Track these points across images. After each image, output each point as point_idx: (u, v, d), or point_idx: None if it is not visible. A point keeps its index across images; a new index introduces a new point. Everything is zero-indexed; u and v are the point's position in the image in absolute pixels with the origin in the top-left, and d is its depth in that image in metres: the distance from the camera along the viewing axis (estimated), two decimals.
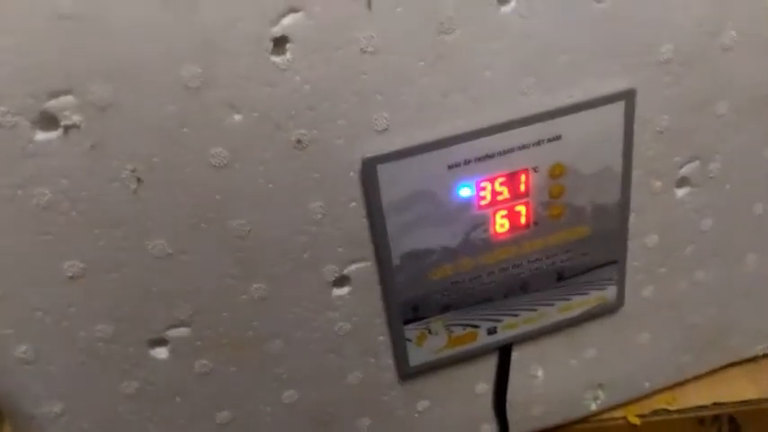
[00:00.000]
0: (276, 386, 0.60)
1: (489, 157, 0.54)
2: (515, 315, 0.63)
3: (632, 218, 0.62)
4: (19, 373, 0.53)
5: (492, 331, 0.63)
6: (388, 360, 0.62)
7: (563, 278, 0.62)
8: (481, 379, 0.68)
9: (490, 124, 0.53)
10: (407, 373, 0.63)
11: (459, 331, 0.62)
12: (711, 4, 0.55)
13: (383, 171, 0.52)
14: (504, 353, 0.66)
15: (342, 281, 0.57)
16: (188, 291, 0.53)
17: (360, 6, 0.46)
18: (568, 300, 0.64)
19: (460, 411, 0.68)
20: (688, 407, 0.75)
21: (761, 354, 0.78)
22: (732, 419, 0.75)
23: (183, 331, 0.55)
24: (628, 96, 0.56)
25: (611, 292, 0.65)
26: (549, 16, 0.51)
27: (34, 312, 0.51)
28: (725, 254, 0.69)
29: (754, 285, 0.72)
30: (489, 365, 0.67)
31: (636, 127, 0.57)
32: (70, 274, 0.50)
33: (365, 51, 0.47)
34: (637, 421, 0.74)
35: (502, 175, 0.55)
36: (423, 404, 0.66)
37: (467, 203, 0.56)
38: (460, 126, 0.53)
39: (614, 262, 0.63)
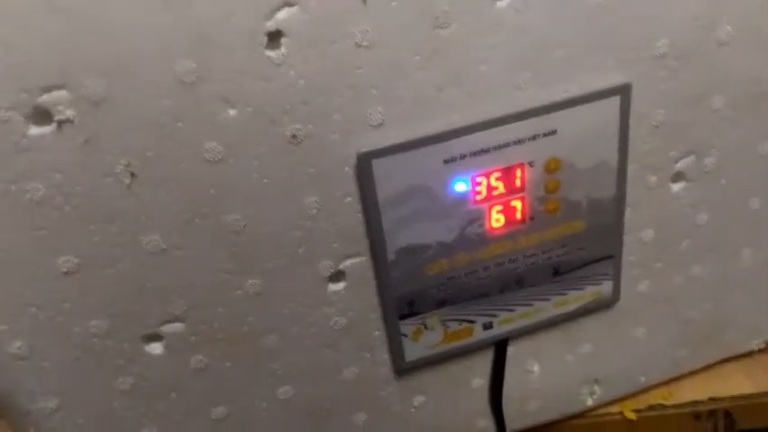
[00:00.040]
0: (272, 381, 0.60)
1: (485, 151, 0.54)
2: (511, 310, 0.63)
3: (628, 212, 0.62)
4: (13, 368, 0.53)
5: (488, 326, 0.63)
6: (384, 355, 0.62)
7: (559, 273, 0.62)
8: (477, 374, 0.68)
9: (486, 119, 0.53)
10: (403, 369, 0.63)
11: (454, 326, 0.62)
12: None
13: (378, 166, 0.52)
14: (499, 348, 0.66)
15: (337, 276, 0.57)
16: (183, 286, 0.53)
17: (355, 0, 0.46)
18: (564, 295, 0.64)
19: (456, 406, 0.68)
20: (684, 402, 0.75)
21: (756, 348, 0.78)
22: (728, 414, 0.75)
23: (177, 327, 0.55)
24: (623, 91, 0.55)
25: (606, 287, 0.65)
26: (544, 11, 0.51)
27: (28, 308, 0.51)
28: (720, 248, 0.69)
29: (750, 280, 0.72)
30: (485, 360, 0.67)
31: (631, 121, 0.57)
32: (64, 270, 0.50)
33: (360, 45, 0.47)
34: (633, 416, 0.74)
35: (497, 170, 0.55)
36: (419, 399, 0.66)
37: (462, 198, 0.56)
38: (456, 120, 0.53)
39: (610, 257, 0.63)
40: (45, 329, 0.52)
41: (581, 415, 0.75)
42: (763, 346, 0.78)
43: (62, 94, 0.43)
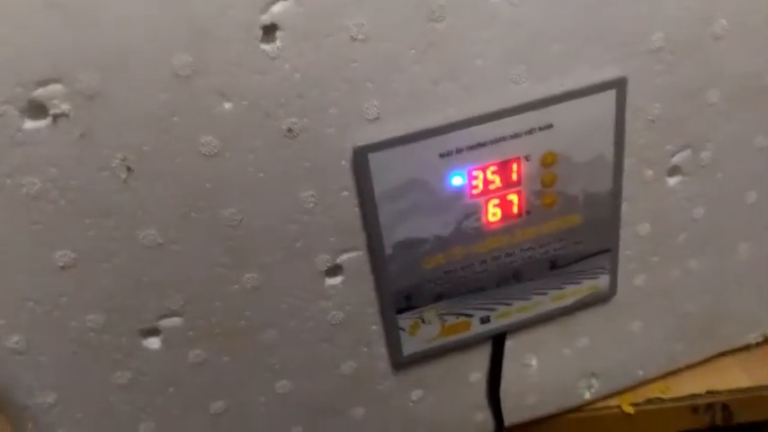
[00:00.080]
0: (270, 376, 0.60)
1: (481, 145, 0.54)
2: (508, 304, 0.63)
3: (624, 206, 0.62)
4: (11, 363, 0.53)
5: (485, 320, 0.63)
6: (382, 349, 0.62)
7: (556, 267, 0.62)
8: (475, 368, 0.68)
9: (482, 113, 0.53)
10: (401, 363, 0.63)
11: (452, 320, 0.62)
12: None
13: (374, 160, 0.52)
14: (497, 342, 0.66)
15: (334, 270, 0.57)
16: (180, 280, 0.53)
17: None
18: (561, 288, 0.64)
19: (454, 400, 0.69)
20: (681, 395, 0.75)
21: (753, 342, 0.78)
22: (725, 407, 0.75)
23: (175, 321, 0.55)
24: (619, 85, 0.55)
25: (603, 281, 0.65)
26: (539, 4, 0.51)
27: (25, 303, 0.51)
28: (717, 242, 0.69)
29: (747, 274, 0.72)
30: (483, 355, 0.67)
31: (628, 115, 0.57)
32: (61, 264, 0.50)
33: (355, 39, 0.47)
34: (630, 410, 0.74)
35: (494, 164, 0.55)
36: (417, 393, 0.66)
37: (459, 192, 0.56)
38: (452, 114, 0.53)
39: (607, 251, 0.63)
40: (42, 324, 0.52)
41: (579, 409, 0.75)
42: (760, 339, 0.78)
43: (57, 87, 0.43)
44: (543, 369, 0.70)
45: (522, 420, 0.73)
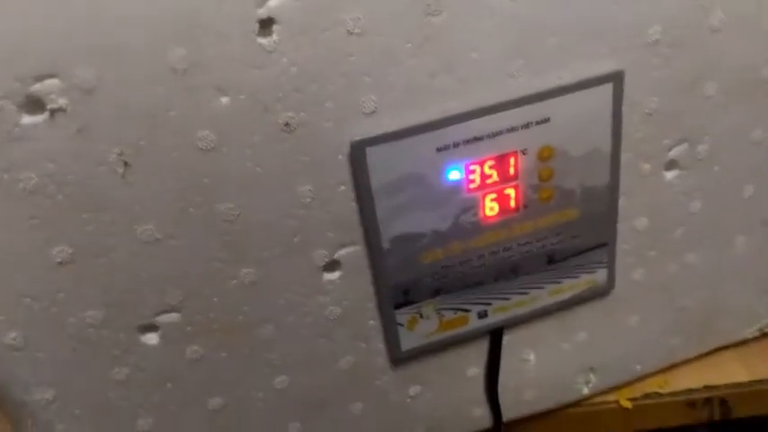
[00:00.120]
0: (268, 372, 0.60)
1: (478, 139, 0.54)
2: (506, 299, 0.63)
3: (621, 200, 0.62)
4: (8, 360, 0.53)
5: (483, 315, 0.63)
6: (380, 344, 0.62)
7: (553, 261, 0.62)
8: (473, 363, 0.68)
9: (478, 106, 0.53)
10: (399, 358, 0.63)
11: (449, 315, 0.62)
12: None
13: (372, 154, 0.52)
14: (495, 337, 0.66)
15: (332, 265, 0.57)
16: (177, 276, 0.53)
17: None
18: (559, 283, 0.64)
19: (452, 396, 0.69)
20: (679, 390, 0.75)
21: (751, 336, 0.78)
22: (723, 402, 0.75)
23: (173, 317, 0.55)
24: (616, 78, 0.55)
25: (601, 275, 0.65)
26: None
27: (23, 298, 0.51)
28: (714, 236, 0.69)
29: (744, 268, 0.72)
30: (481, 349, 0.67)
31: (624, 109, 0.57)
32: (59, 260, 0.50)
33: (352, 33, 0.47)
34: (628, 405, 0.74)
35: (491, 158, 0.55)
36: (415, 389, 0.67)
37: (456, 187, 0.56)
38: (449, 108, 0.53)
39: (604, 245, 0.63)
40: (40, 320, 0.52)
41: (577, 404, 0.75)
42: (757, 334, 0.78)
43: (54, 82, 0.43)
44: (541, 364, 0.70)
45: (521, 416, 0.73)
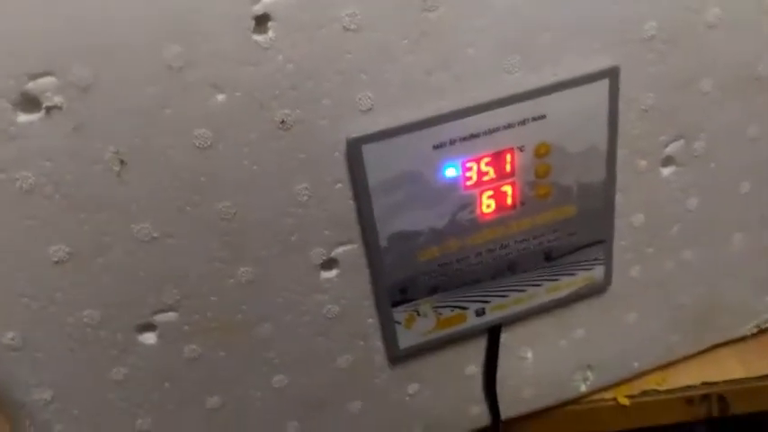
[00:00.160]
0: (266, 370, 0.60)
1: (474, 136, 0.54)
2: (504, 296, 0.63)
3: (618, 197, 0.62)
4: (6, 360, 0.53)
5: (480, 313, 0.63)
6: (378, 343, 0.62)
7: (551, 258, 0.62)
8: (471, 361, 0.68)
9: (475, 103, 0.53)
10: (397, 356, 0.63)
11: (447, 313, 0.62)
12: None
13: (368, 151, 0.52)
14: (493, 334, 0.66)
15: (330, 263, 0.57)
16: (175, 275, 0.53)
17: None
18: (556, 280, 0.64)
19: (451, 394, 0.69)
20: (677, 387, 0.75)
21: (749, 333, 0.78)
22: (721, 399, 0.75)
23: (170, 316, 0.55)
24: (612, 74, 0.56)
25: (598, 272, 0.65)
26: None
27: (20, 298, 0.51)
28: (711, 233, 0.69)
29: (741, 265, 0.72)
30: (479, 347, 0.67)
31: (620, 105, 0.57)
32: (56, 259, 0.50)
33: (348, 29, 0.47)
34: (626, 402, 0.74)
35: (487, 155, 0.55)
36: (413, 387, 0.67)
37: (453, 184, 0.56)
38: (445, 105, 0.53)
39: (601, 242, 0.64)
40: (38, 320, 0.52)
41: (575, 401, 0.75)
42: (755, 330, 0.78)
43: (50, 80, 0.43)
44: (539, 362, 0.70)
45: (519, 414, 0.73)
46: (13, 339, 0.52)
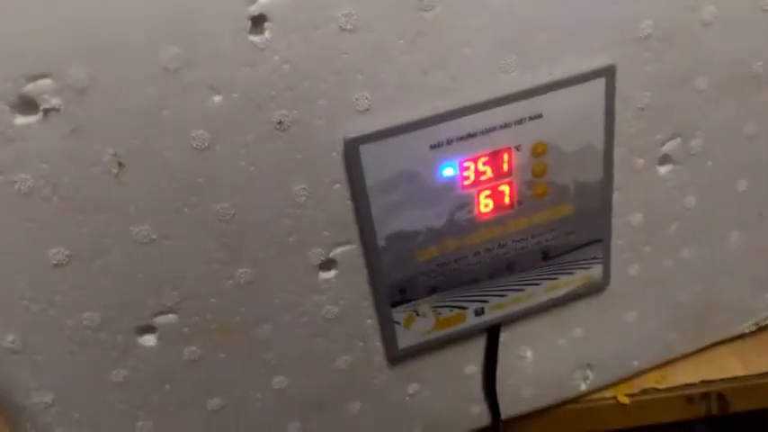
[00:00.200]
0: (265, 372, 0.60)
1: (471, 136, 0.54)
2: (502, 296, 0.63)
3: (616, 196, 0.62)
4: (7, 363, 0.53)
5: (479, 312, 0.63)
6: (377, 343, 0.62)
7: (549, 257, 0.62)
8: (470, 361, 0.68)
9: (471, 103, 0.53)
10: (396, 356, 0.63)
11: (446, 313, 0.62)
12: None
13: (366, 152, 0.52)
14: (492, 334, 0.66)
15: (328, 264, 0.57)
16: (174, 276, 0.53)
17: None
18: (555, 279, 0.64)
19: (451, 394, 0.69)
20: (677, 385, 0.75)
21: (747, 331, 0.78)
22: (721, 396, 0.75)
23: (170, 318, 0.55)
24: (608, 73, 0.56)
25: (596, 271, 0.65)
26: None
27: (20, 301, 0.51)
28: (709, 231, 0.69)
29: (739, 262, 0.72)
30: (478, 347, 0.67)
31: (617, 104, 0.57)
32: (55, 262, 0.50)
33: (344, 29, 0.47)
34: (626, 400, 0.75)
35: (485, 155, 0.55)
36: (413, 387, 0.67)
37: (450, 184, 0.56)
38: (442, 105, 0.53)
39: (599, 240, 0.64)
40: (38, 323, 0.52)
41: (575, 400, 0.75)
42: (754, 328, 0.78)
43: (47, 82, 0.43)
44: (538, 361, 0.70)
45: (519, 413, 0.73)
46: (13, 342, 0.52)
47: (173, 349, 0.56)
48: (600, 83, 0.56)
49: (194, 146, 0.48)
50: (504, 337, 0.67)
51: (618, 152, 0.60)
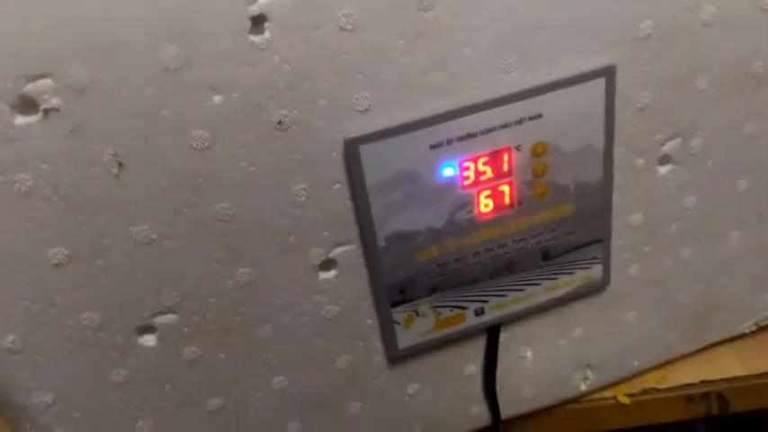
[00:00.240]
0: (265, 372, 0.60)
1: (471, 136, 0.54)
2: (502, 295, 0.63)
3: (616, 196, 0.62)
4: (7, 363, 0.53)
5: (479, 312, 0.63)
6: (377, 343, 0.62)
7: (548, 257, 0.62)
8: (470, 361, 0.68)
9: (471, 103, 0.53)
10: (396, 356, 0.63)
11: (446, 313, 0.62)
12: None
13: (366, 152, 0.52)
14: (492, 334, 0.66)
15: (328, 264, 0.57)
16: (174, 276, 0.53)
17: None
18: (555, 279, 0.64)
19: (451, 394, 0.69)
20: (677, 385, 0.75)
21: (747, 331, 0.78)
22: (721, 397, 0.75)
23: (170, 318, 0.55)
24: (608, 73, 0.56)
25: (596, 271, 0.65)
26: None
27: (20, 301, 0.51)
28: (709, 231, 0.69)
29: (739, 262, 0.72)
30: (478, 347, 0.67)
31: (617, 104, 0.57)
32: (55, 262, 0.50)
33: (344, 29, 0.47)
34: (626, 400, 0.75)
35: (485, 155, 0.55)
36: (413, 387, 0.67)
37: (450, 184, 0.56)
38: (442, 105, 0.53)
39: (599, 240, 0.64)
40: (38, 323, 0.52)
41: (575, 400, 0.75)
42: (754, 328, 0.78)
43: (47, 82, 0.43)
44: (538, 361, 0.70)
45: (519, 413, 0.73)
46: (13, 342, 0.52)
47: (173, 349, 0.56)
48: (600, 83, 0.56)
49: (194, 146, 0.48)
50: (504, 337, 0.67)
51: (618, 152, 0.60)
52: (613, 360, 0.73)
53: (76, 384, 0.56)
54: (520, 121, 0.55)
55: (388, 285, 0.59)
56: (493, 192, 0.57)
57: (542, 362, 0.70)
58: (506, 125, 0.55)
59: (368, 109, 0.51)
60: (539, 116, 0.55)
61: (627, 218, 0.65)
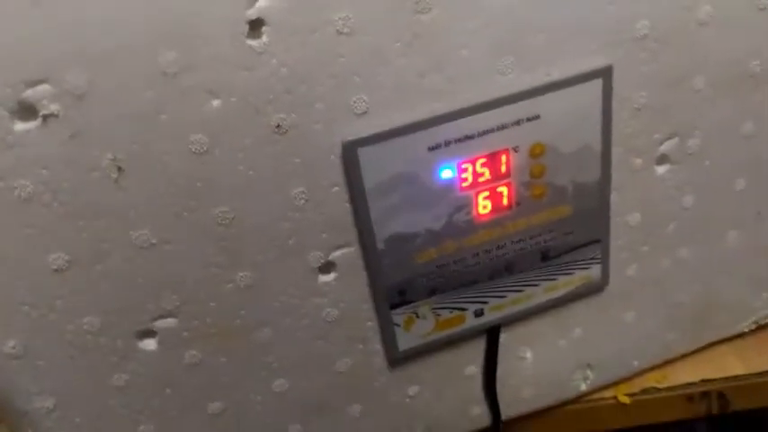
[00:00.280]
0: (266, 375, 0.60)
1: (469, 137, 0.54)
2: (502, 297, 0.63)
3: (614, 196, 0.62)
4: (8, 368, 0.53)
5: (479, 313, 0.63)
6: (377, 345, 0.63)
7: (547, 258, 0.63)
8: (470, 362, 0.68)
9: (469, 105, 0.53)
10: (396, 358, 0.63)
11: (446, 314, 0.62)
12: None
13: (364, 154, 0.52)
14: (491, 335, 0.66)
15: (327, 267, 0.57)
16: (174, 281, 0.53)
17: None
18: (554, 280, 0.64)
19: (451, 395, 0.69)
20: (677, 384, 0.76)
21: (747, 330, 0.78)
22: (721, 395, 0.75)
23: (170, 322, 0.55)
24: (605, 73, 0.56)
25: (595, 272, 0.65)
26: None
27: (21, 307, 0.51)
28: (707, 231, 0.69)
29: (737, 262, 0.72)
30: (478, 348, 0.67)
31: (614, 105, 0.57)
32: (55, 267, 0.50)
33: (341, 33, 0.48)
34: (627, 400, 0.75)
35: (483, 156, 0.56)
36: (413, 389, 0.67)
37: (449, 185, 0.56)
38: (439, 107, 0.53)
39: (597, 241, 0.64)
40: (38, 328, 0.52)
41: (575, 400, 0.75)
42: (753, 327, 0.78)
43: (46, 88, 0.43)
44: (538, 361, 0.70)
45: (519, 414, 0.73)
46: (13, 348, 0.52)
47: (173, 353, 0.57)
48: (597, 83, 0.56)
49: (193, 150, 0.48)
50: (503, 337, 0.67)
51: (615, 152, 0.60)
52: (613, 360, 0.74)
53: (77, 389, 0.56)
54: (517, 123, 0.55)
55: (387, 287, 0.59)
56: (491, 193, 0.57)
57: (542, 362, 0.70)
58: (504, 126, 0.55)
59: (365, 112, 0.51)
60: (536, 117, 0.55)
61: (625, 218, 0.65)
